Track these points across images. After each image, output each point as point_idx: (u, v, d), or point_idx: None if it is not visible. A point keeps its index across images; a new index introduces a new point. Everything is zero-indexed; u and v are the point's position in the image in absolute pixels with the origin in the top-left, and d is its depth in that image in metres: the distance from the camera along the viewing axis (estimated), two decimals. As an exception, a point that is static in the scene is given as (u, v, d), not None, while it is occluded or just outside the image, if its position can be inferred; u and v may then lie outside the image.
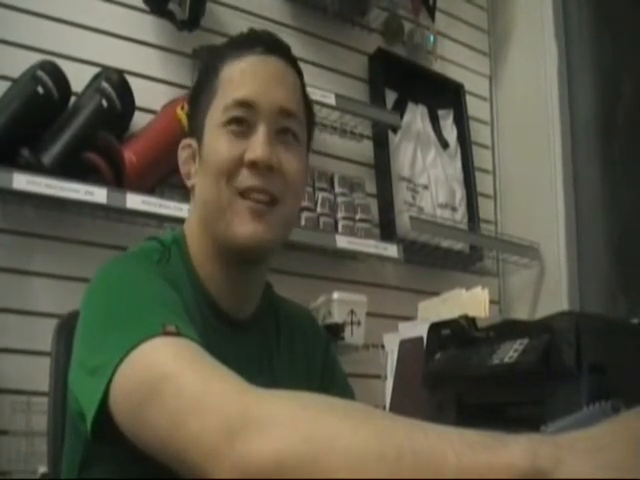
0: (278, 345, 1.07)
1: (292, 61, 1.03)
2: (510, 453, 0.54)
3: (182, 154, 1.03)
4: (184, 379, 0.70)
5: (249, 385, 0.69)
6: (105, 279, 0.92)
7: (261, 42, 1.00)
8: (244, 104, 0.96)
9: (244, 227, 0.94)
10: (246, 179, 0.94)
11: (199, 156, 1.00)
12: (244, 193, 0.95)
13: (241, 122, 0.96)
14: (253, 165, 0.94)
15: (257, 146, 0.94)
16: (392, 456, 0.56)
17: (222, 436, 0.63)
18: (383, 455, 0.56)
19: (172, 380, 0.70)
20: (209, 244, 0.99)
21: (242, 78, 0.97)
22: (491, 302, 2.04)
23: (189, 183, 1.02)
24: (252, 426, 0.62)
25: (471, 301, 1.95)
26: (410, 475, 0.55)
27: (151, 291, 0.87)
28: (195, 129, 1.02)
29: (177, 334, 0.76)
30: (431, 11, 2.51)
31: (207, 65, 1.05)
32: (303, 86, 1.05)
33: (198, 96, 1.02)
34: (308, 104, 1.05)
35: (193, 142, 1.02)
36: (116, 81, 1.78)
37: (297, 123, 1.00)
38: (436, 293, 2.12)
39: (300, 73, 1.04)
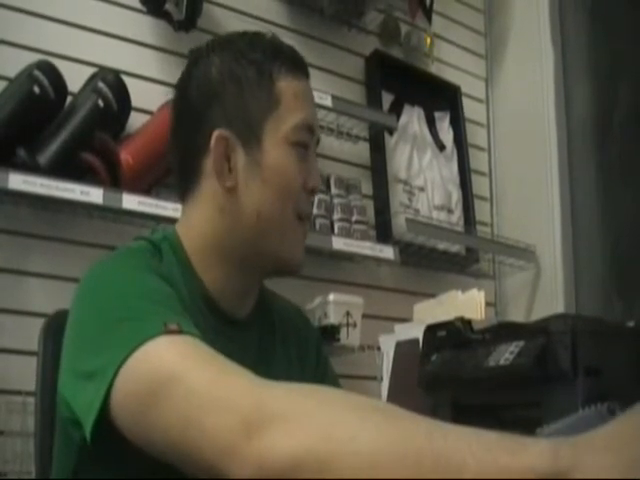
0: (274, 342, 1.07)
1: None
2: (530, 456, 0.53)
3: (217, 148, 0.95)
4: (193, 377, 0.69)
5: (260, 379, 0.68)
6: (96, 278, 0.89)
7: (304, 65, 1.03)
8: (311, 130, 1.00)
9: (299, 250, 1.00)
10: (308, 205, 1.01)
11: (249, 159, 0.96)
12: (303, 217, 1.00)
13: (306, 147, 0.99)
14: (313, 192, 1.01)
15: (317, 174, 1.01)
16: (412, 460, 0.56)
17: (238, 433, 0.62)
18: (403, 458, 0.56)
19: (181, 379, 0.69)
20: (219, 247, 0.97)
21: (305, 101, 1.00)
22: (487, 304, 2.04)
23: (227, 183, 0.96)
24: (269, 422, 0.61)
25: (467, 303, 1.95)
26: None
27: (147, 288, 0.85)
28: (235, 121, 0.96)
29: (179, 332, 0.75)
30: (428, 13, 2.51)
31: (253, 59, 0.98)
32: None
33: (240, 86, 0.96)
34: None
35: (231, 136, 0.96)
36: (112, 81, 1.77)
37: None
38: (432, 295, 2.12)
39: None
